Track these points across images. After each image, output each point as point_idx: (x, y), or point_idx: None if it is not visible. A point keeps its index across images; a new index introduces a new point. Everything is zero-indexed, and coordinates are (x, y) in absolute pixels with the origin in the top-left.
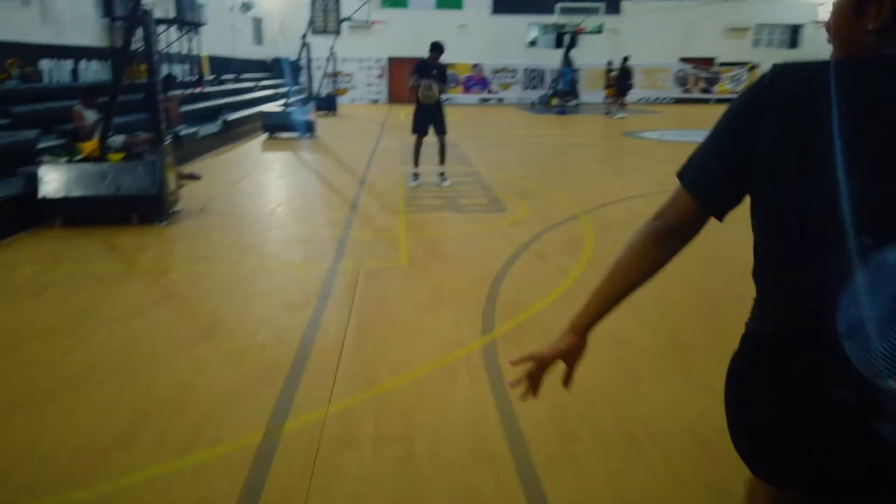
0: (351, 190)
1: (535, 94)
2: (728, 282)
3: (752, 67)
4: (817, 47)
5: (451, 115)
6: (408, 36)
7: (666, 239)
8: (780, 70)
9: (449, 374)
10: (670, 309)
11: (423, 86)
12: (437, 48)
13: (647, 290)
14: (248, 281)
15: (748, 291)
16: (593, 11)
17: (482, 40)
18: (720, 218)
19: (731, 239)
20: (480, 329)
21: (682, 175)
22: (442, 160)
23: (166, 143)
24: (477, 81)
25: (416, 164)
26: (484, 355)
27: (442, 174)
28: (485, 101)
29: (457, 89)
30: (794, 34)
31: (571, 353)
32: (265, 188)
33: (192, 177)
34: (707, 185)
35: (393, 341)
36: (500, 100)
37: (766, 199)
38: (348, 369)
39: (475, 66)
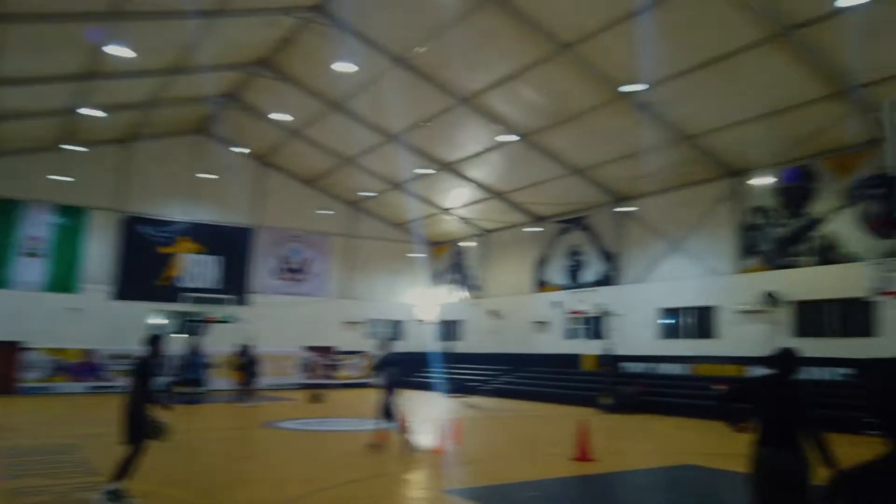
0: None
1: (160, 381)
2: None
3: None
4: (416, 338)
5: (54, 408)
6: (5, 319)
7: None
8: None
9: None
10: None
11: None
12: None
13: None
14: None
15: None
16: (220, 301)
17: (98, 325)
18: None
19: None
20: None
21: None
22: None
23: None
24: (87, 368)
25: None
26: None
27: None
28: (96, 388)
29: (62, 377)
30: (396, 327)
31: None
32: None
33: None
34: None
35: None
36: (116, 388)
37: None
38: None
39: (88, 351)
